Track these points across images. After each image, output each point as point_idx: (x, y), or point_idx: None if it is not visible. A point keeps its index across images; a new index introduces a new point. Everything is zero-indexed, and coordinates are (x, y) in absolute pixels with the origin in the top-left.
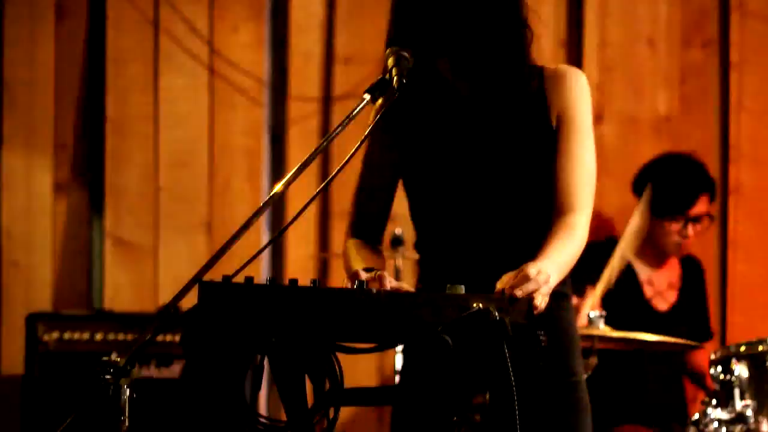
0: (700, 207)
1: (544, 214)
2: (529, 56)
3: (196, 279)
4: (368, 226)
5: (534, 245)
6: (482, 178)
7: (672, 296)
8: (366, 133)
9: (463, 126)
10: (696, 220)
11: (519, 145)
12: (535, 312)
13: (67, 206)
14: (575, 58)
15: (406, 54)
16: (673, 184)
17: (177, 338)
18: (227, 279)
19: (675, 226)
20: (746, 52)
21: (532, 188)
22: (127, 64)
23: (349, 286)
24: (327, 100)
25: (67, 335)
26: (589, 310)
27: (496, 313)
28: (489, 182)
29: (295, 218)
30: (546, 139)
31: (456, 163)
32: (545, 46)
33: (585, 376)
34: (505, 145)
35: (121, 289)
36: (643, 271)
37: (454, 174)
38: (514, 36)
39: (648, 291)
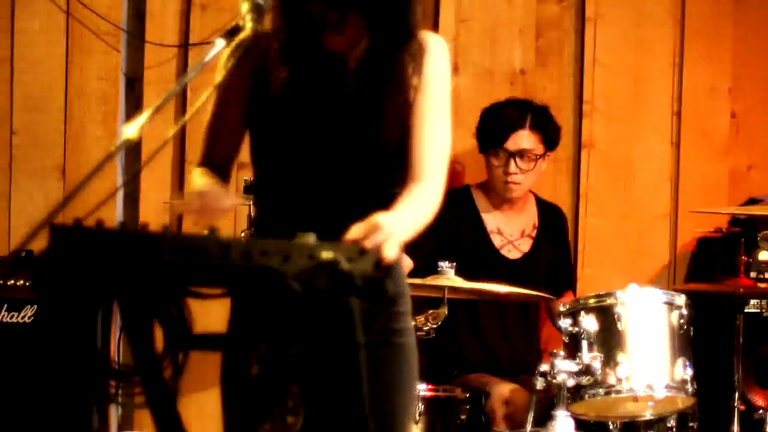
0: (520, 142)
1: (390, 172)
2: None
3: (47, 222)
4: (216, 161)
5: (374, 200)
6: (330, 131)
7: (525, 245)
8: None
9: (320, 76)
10: (518, 155)
11: (370, 102)
12: (384, 263)
13: None
14: (432, 9)
15: (260, 2)
16: (492, 118)
17: (29, 282)
18: (78, 222)
19: (497, 161)
20: (601, 7)
21: (378, 143)
22: None
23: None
24: (184, 47)
25: None
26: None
27: (345, 264)
28: (336, 135)
29: (146, 162)
30: (400, 103)
31: (306, 111)
32: None
33: (432, 326)
34: (358, 99)
35: None
36: (491, 221)
37: (302, 122)
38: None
39: (496, 240)
